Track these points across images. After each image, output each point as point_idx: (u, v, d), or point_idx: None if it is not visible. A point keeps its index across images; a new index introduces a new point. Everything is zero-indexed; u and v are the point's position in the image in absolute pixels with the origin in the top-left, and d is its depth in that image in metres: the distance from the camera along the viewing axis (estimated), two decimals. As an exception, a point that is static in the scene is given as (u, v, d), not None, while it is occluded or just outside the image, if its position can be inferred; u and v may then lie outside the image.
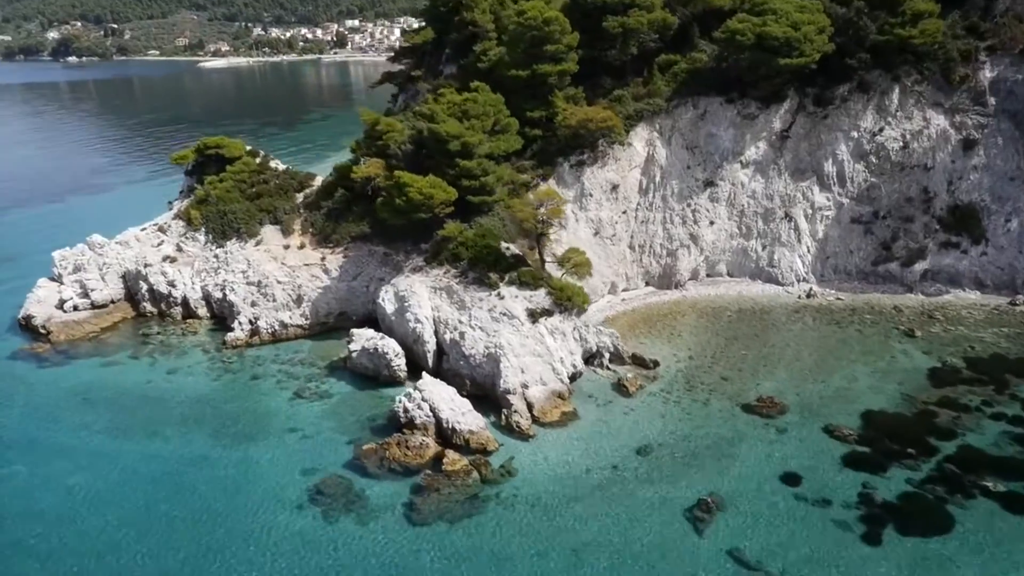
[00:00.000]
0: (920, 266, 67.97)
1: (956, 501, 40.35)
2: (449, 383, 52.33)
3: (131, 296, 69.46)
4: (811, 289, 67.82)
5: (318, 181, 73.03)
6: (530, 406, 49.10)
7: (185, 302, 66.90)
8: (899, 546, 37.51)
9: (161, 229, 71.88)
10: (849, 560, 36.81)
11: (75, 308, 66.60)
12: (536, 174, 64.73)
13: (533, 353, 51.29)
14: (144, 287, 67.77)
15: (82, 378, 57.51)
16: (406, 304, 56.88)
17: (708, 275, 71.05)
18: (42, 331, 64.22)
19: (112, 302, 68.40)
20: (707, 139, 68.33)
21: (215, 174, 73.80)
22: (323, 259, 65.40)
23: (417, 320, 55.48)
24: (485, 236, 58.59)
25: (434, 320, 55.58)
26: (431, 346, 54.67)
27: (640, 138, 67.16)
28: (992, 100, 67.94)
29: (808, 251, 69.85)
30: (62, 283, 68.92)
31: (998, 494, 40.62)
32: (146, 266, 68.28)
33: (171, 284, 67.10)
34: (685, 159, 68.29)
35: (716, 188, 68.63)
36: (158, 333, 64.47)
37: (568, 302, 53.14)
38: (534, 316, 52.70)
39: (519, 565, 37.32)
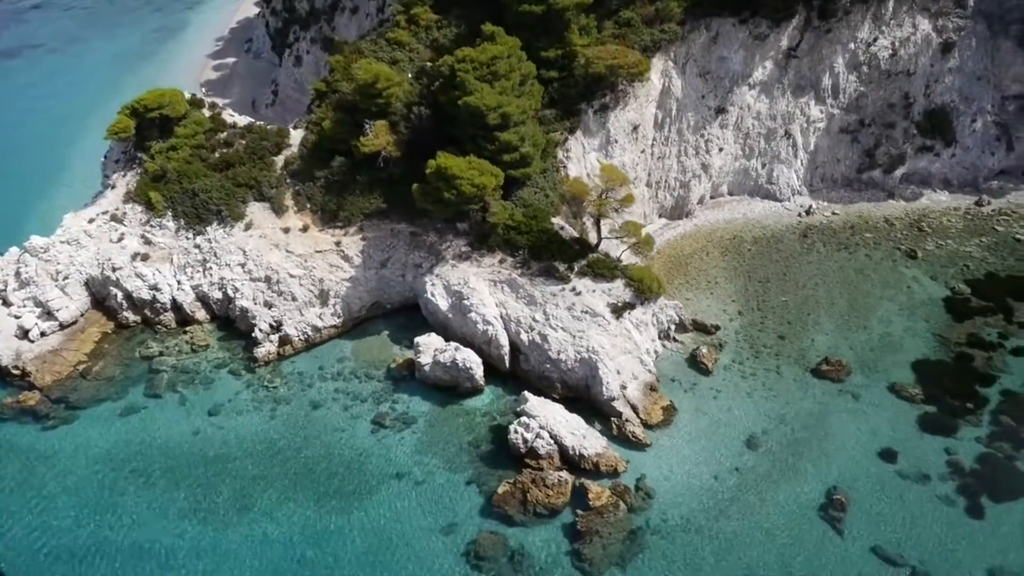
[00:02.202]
0: (899, 171, 72.45)
1: (1022, 458, 47.78)
2: (532, 384, 51.89)
3: (99, 303, 59.29)
4: (810, 207, 70.80)
5: (295, 138, 62.68)
6: (634, 409, 49.99)
7: (176, 306, 58.34)
8: (999, 515, 44.48)
9: (116, 218, 59.89)
10: (964, 537, 43.27)
11: (43, 334, 56.11)
12: (563, 127, 59.60)
13: (623, 351, 51.13)
14: (118, 294, 57.88)
15: (109, 438, 50.42)
16: (466, 302, 53.42)
17: (711, 197, 71.65)
18: (16, 373, 54.15)
19: (81, 315, 58.20)
20: (718, 63, 65.32)
21: (158, 139, 61.08)
22: (338, 244, 58.37)
23: (486, 321, 52.66)
24: (537, 217, 54.73)
25: (502, 318, 53.08)
26: (507, 349, 52.68)
27: (656, 69, 62.87)
28: (971, 1, 69.48)
29: (802, 164, 71.80)
30: (8, 304, 57.07)
31: (1051, 445, 48.49)
32: (115, 269, 57.81)
33: (154, 288, 57.73)
34: (699, 88, 65.36)
35: (726, 114, 67.11)
36: (161, 354, 56.43)
37: (648, 292, 52.31)
38: (618, 312, 51.72)
39: (706, 604, 40.60)
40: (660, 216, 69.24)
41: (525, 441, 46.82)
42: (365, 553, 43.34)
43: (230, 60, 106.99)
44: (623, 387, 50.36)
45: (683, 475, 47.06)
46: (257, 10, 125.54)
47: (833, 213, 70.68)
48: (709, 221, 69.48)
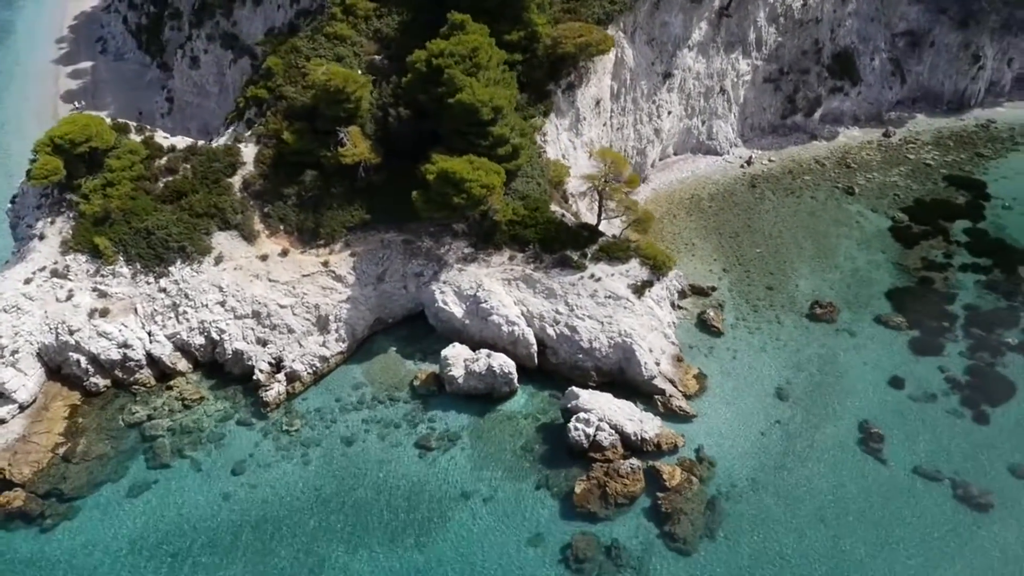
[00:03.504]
0: (818, 113, 77.89)
1: (1000, 363, 54.17)
2: (563, 376, 51.90)
3: (55, 373, 51.66)
4: (750, 157, 74.66)
5: (247, 154, 56.75)
6: (672, 383, 51.32)
7: (152, 361, 52.06)
8: (999, 418, 50.49)
9: (58, 274, 51.83)
10: (980, 443, 48.81)
11: (2, 421, 48.19)
12: (537, 111, 58.36)
13: (650, 328, 52.04)
14: (80, 359, 50.71)
15: (127, 524, 44.73)
16: (484, 305, 51.93)
17: (660, 159, 73.49)
18: (-17, 473, 46.36)
19: (39, 391, 50.51)
20: (662, 29, 66.48)
21: (87, 176, 53.24)
22: (326, 264, 54.28)
23: (510, 322, 51.55)
24: (539, 208, 53.79)
25: (524, 316, 52.14)
26: (535, 347, 51.93)
27: (609, 41, 62.80)
28: (863, -54, 75.05)
29: (735, 117, 75.21)
30: (-54, 393, 48.40)
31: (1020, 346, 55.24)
32: (72, 332, 50.50)
33: (123, 345, 51.08)
34: (648, 55, 66.29)
35: (672, 78, 68.68)
36: (151, 417, 50.37)
37: (663, 268, 53.26)
38: (638, 291, 52.35)
39: (793, 553, 43.11)
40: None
41: (587, 436, 46.85)
42: (465, 586, 42.06)
43: (86, 65, 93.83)
44: (657, 364, 51.47)
45: (734, 438, 49.26)
46: (94, 2, 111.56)
47: (770, 160, 75.05)
48: (664, 184, 71.44)
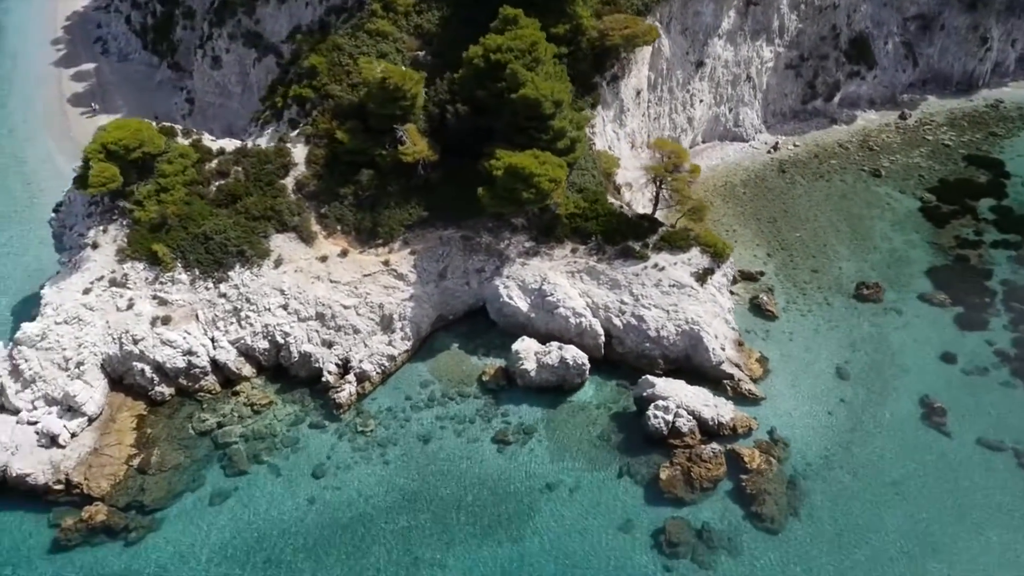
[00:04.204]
0: (837, 97, 79.48)
1: (1044, 334, 56.44)
2: (629, 365, 52.66)
3: (117, 383, 50.74)
4: (776, 143, 75.92)
5: (298, 155, 56.07)
6: (738, 367, 52.32)
7: (217, 367, 51.41)
8: (1049, 387, 52.72)
9: (116, 283, 50.78)
10: (1034, 411, 51.01)
11: (73, 436, 47.26)
12: (586, 103, 58.65)
13: (713, 315, 52.93)
14: (144, 368, 49.89)
15: (215, 533, 44.24)
16: (550, 299, 52.32)
17: (689, 147, 74.29)
18: (59, 488, 45.40)
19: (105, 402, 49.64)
20: (694, 18, 67.20)
21: (138, 182, 52.21)
22: (386, 263, 54.07)
23: (577, 314, 52.05)
24: (598, 201, 54.21)
25: (589, 307, 52.64)
26: (603, 337, 52.49)
27: (648, 32, 63.34)
28: (876, -67, 76.64)
29: (759, 103, 76.38)
30: (11, 410, 47.16)
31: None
32: (136, 341, 49.62)
33: (188, 353, 50.35)
34: (683, 45, 66.92)
35: (704, 67, 69.48)
36: (221, 424, 49.81)
37: (722, 255, 54.13)
38: (701, 279, 53.15)
39: (875, 525, 44.43)
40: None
41: (666, 423, 47.63)
42: (559, 574, 42.50)
43: (88, 67, 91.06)
44: (723, 349, 52.41)
45: (802, 418, 50.48)
46: (85, 2, 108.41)
47: (795, 145, 76.44)
48: (695, 171, 72.22)
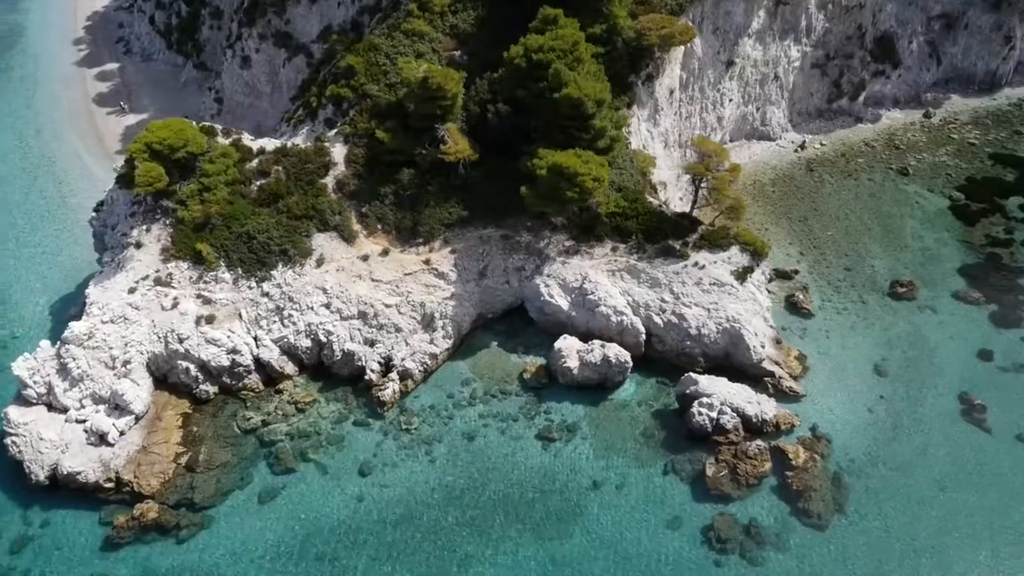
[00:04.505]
0: (862, 97, 79.76)
1: (1079, 328, 56.81)
2: (669, 363, 52.99)
3: (160, 382, 51.02)
4: (803, 141, 76.20)
5: (337, 154, 56.27)
6: (778, 365, 52.63)
7: (260, 365, 51.69)
8: (1088, 386, 53.07)
9: (161, 282, 51.04)
10: (1073, 410, 51.39)
11: (121, 433, 47.54)
12: (622, 103, 58.89)
13: (753, 313, 53.23)
14: (189, 367, 50.20)
15: (265, 531, 44.67)
16: (591, 297, 52.63)
17: (717, 147, 74.66)
18: (109, 487, 45.74)
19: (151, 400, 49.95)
20: (725, 18, 67.41)
21: (179, 182, 52.46)
22: (427, 262, 54.36)
23: (618, 312, 52.36)
24: (638, 200, 54.51)
25: (630, 305, 52.94)
26: (644, 336, 52.81)
27: (680, 32, 63.64)
28: (902, -67, 76.91)
29: (785, 102, 76.68)
30: (59, 409, 47.47)
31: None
32: (181, 340, 49.89)
33: (233, 351, 50.63)
34: (714, 45, 67.21)
35: (734, 66, 69.76)
36: (265, 423, 50.12)
37: (761, 253, 54.45)
38: (741, 277, 53.43)
39: (921, 521, 44.63)
40: (685, 173, 71.18)
41: (711, 420, 47.98)
42: (610, 569, 42.85)
43: (112, 67, 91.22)
44: (763, 347, 52.72)
45: (843, 414, 50.79)
46: (105, 2, 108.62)
47: (821, 144, 76.71)
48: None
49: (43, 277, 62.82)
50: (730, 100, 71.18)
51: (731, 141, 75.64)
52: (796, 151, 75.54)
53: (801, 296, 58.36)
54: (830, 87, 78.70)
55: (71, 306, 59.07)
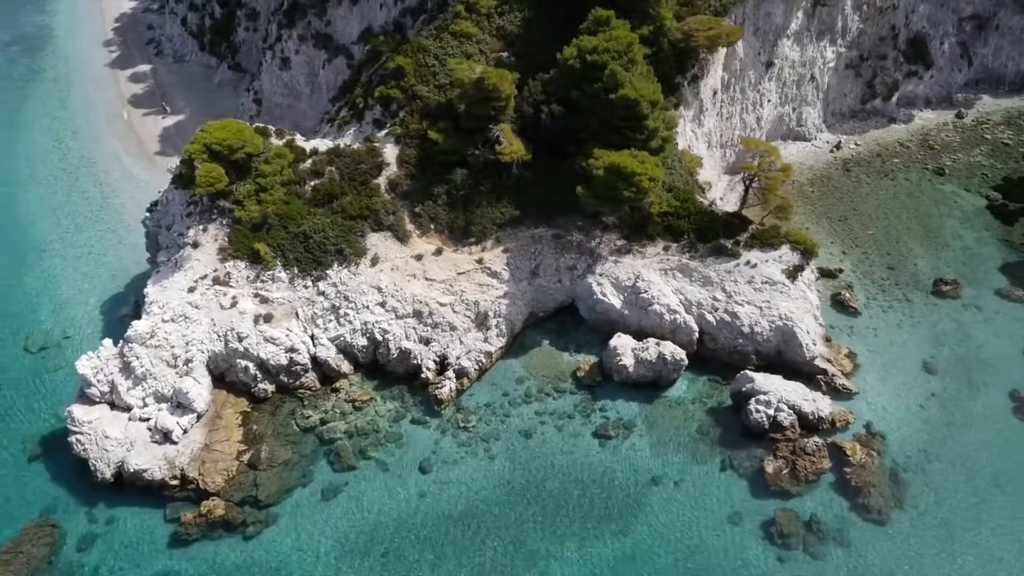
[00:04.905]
0: (895, 97, 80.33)
1: (1122, 325, 57.23)
2: (721, 361, 53.44)
3: (218, 380, 51.45)
4: (839, 142, 76.78)
5: (389, 155, 56.72)
6: (829, 362, 53.07)
7: (317, 364, 52.12)
8: None
9: (220, 281, 51.49)
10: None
11: (184, 431, 47.96)
12: (670, 103, 59.29)
13: (804, 311, 53.66)
14: (248, 366, 50.64)
15: (331, 527, 44.99)
16: (644, 296, 53.10)
17: (753, 147, 75.17)
18: (175, 484, 46.15)
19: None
20: (765, 19, 67.91)
21: (235, 182, 52.92)
22: (480, 261, 54.80)
23: (671, 311, 52.83)
24: (689, 200, 54.98)
25: (682, 304, 53.40)
26: (697, 334, 53.26)
27: (723, 33, 64.15)
28: (935, -65, 77.51)
29: (820, 103, 77.23)
30: (122, 407, 47.89)
31: None
32: (241, 339, 50.33)
33: (291, 350, 51.07)
34: (755, 46, 67.72)
35: (773, 67, 70.26)
36: (324, 421, 50.52)
37: (811, 252, 54.89)
38: (792, 275, 53.86)
39: (980, 516, 44.92)
40: (724, 173, 71.69)
41: (768, 417, 48.42)
42: (674, 565, 43.28)
43: (144, 68, 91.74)
44: (814, 343, 53.16)
45: (896, 411, 51.22)
46: (132, 4, 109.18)
47: (856, 144, 77.27)
48: (761, 170, 73.06)
49: (91, 277, 63.20)
50: (768, 101, 71.70)
51: (767, 141, 76.13)
52: (832, 151, 76.12)
53: (847, 294, 58.83)
54: (864, 88, 79.28)
55: (121, 306, 59.65)
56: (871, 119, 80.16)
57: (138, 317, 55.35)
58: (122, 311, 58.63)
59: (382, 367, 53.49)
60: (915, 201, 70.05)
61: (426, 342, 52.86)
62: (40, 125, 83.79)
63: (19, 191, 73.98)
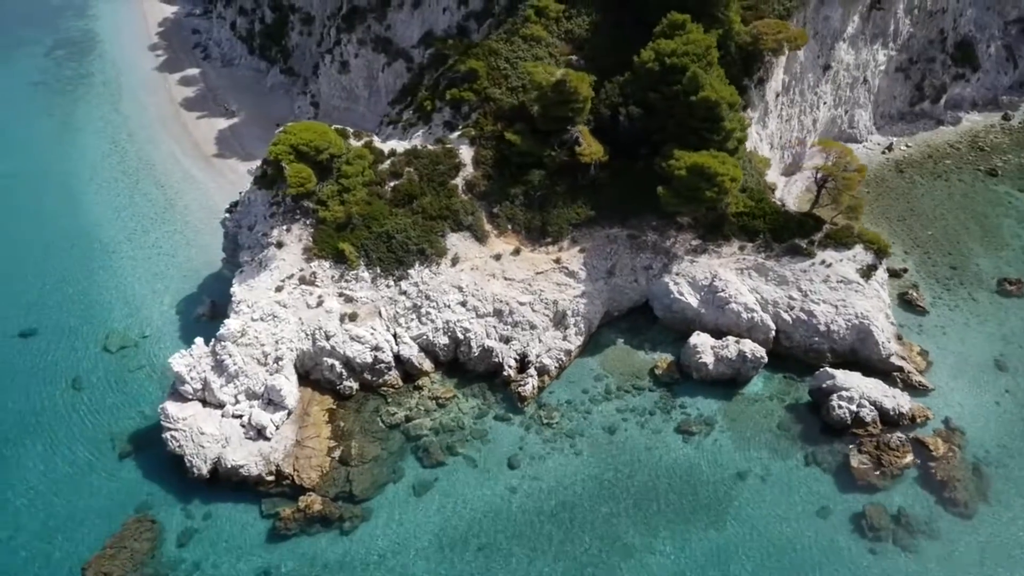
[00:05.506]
0: (943, 100, 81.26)
1: None
2: (796, 359, 54.24)
3: (304, 377, 52.19)
4: (890, 144, 77.66)
5: (465, 156, 57.60)
6: (904, 360, 53.83)
7: (400, 362, 52.90)
8: None
9: (306, 281, 52.30)
10: None
11: (277, 428, 48.71)
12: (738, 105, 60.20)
13: (878, 309, 54.44)
14: (334, 364, 51.44)
15: (426, 522, 45.75)
16: (722, 295, 53.93)
17: (808, 148, 75.95)
18: (270, 479, 46.89)
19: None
20: (823, 23, 68.81)
21: (318, 183, 53.76)
22: (558, 261, 55.61)
23: (748, 309, 53.66)
24: (763, 199, 55.83)
25: (759, 302, 54.20)
26: (773, 332, 54.05)
27: (785, 36, 65.08)
28: (981, -59, 78.55)
29: (871, 105, 78.15)
30: (215, 404, 48.65)
31: None
32: (328, 337, 51.12)
33: (375, 348, 51.87)
34: (814, 49, 68.60)
35: (830, 70, 71.16)
36: (409, 418, 51.28)
37: (884, 252, 55.68)
38: (866, 275, 54.66)
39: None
40: (781, 175, 72.55)
41: (851, 413, 49.18)
42: (769, 557, 44.01)
43: (193, 72, 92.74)
44: (888, 341, 53.94)
45: (972, 407, 51.98)
46: (174, 8, 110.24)
47: (907, 146, 78.15)
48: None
49: (163, 277, 63.98)
50: (824, 103, 72.59)
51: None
52: (883, 153, 77.00)
53: (914, 293, 59.65)
54: (912, 90, 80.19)
55: (196, 306, 60.45)
56: (919, 121, 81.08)
57: (215, 317, 56.64)
58: (198, 311, 59.43)
59: (462, 365, 54.29)
60: (970, 202, 70.89)
61: (506, 340, 53.64)
62: (95, 128, 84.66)
63: (81, 194, 74.77)
